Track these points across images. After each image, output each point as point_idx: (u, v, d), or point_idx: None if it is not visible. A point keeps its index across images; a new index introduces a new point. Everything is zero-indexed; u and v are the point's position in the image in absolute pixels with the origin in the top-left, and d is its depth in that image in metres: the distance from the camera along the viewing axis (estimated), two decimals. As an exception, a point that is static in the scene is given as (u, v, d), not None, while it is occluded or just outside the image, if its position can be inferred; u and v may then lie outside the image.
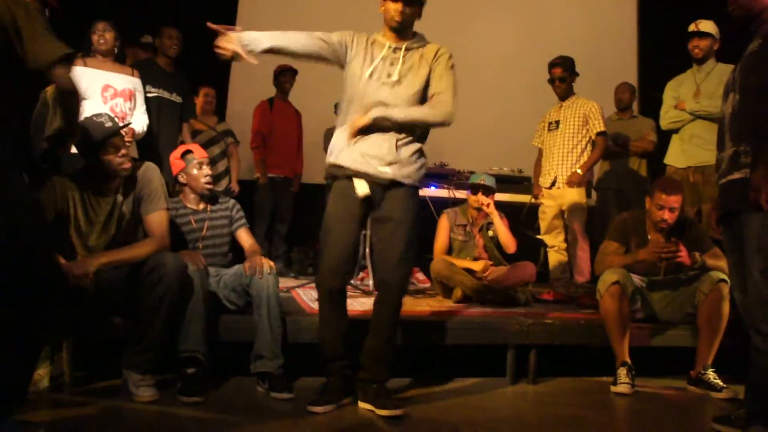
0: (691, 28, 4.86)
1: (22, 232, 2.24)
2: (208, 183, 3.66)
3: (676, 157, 4.94)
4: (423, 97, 3.07)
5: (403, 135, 3.03)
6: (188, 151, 3.71)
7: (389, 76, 3.04)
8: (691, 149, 4.80)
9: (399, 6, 3.02)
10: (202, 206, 3.71)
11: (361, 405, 3.07)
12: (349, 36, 3.13)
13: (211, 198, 3.76)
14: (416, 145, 3.10)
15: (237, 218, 3.78)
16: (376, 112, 2.97)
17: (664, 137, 5.26)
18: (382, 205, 3.06)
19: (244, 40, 2.90)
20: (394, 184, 3.03)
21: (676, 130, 4.97)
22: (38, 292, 2.31)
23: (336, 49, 3.10)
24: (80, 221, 3.19)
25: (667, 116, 4.99)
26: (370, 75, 3.05)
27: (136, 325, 3.09)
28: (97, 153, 3.14)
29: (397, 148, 3.01)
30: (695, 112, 4.76)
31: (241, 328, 3.42)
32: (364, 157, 3.01)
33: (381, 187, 3.03)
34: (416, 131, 3.09)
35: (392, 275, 3.04)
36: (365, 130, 3.01)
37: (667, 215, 3.73)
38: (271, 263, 3.44)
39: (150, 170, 3.35)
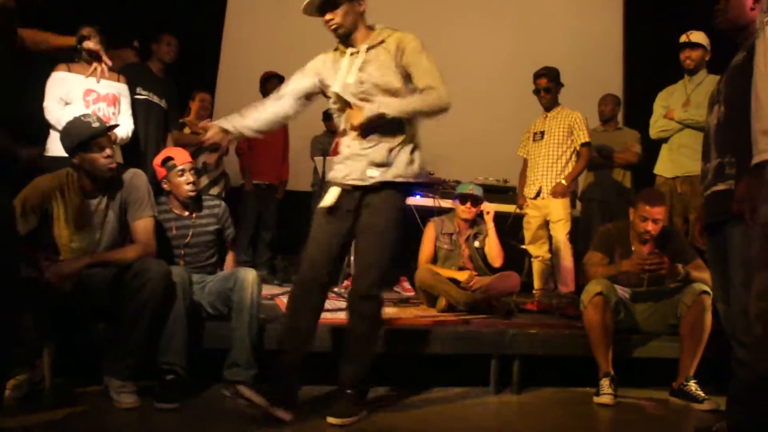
0: (683, 39, 4.89)
1: None
2: (191, 190, 3.60)
3: (664, 166, 4.98)
4: (398, 90, 2.96)
5: (396, 141, 2.98)
6: (169, 158, 3.64)
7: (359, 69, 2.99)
8: (680, 159, 4.84)
9: (325, 18, 2.98)
10: (186, 213, 3.67)
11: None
12: (318, 60, 3.16)
13: (197, 203, 3.71)
14: (410, 147, 3.03)
15: (227, 227, 3.80)
16: (369, 111, 2.88)
17: (650, 148, 5.29)
18: (366, 209, 3.01)
19: (230, 131, 3.14)
20: (380, 186, 2.98)
21: (665, 140, 5.01)
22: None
23: (314, 82, 3.14)
24: (62, 221, 3.18)
25: (656, 125, 5.04)
26: (342, 88, 3.01)
27: (118, 331, 3.07)
28: (81, 152, 3.14)
29: (390, 151, 2.97)
30: (683, 120, 4.81)
31: (223, 335, 3.38)
32: (353, 158, 3.01)
33: (365, 192, 3.00)
34: (410, 132, 3.02)
35: (363, 281, 2.98)
36: (366, 132, 2.97)
37: (650, 227, 3.75)
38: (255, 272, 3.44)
39: (137, 177, 3.34)
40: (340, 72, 3.02)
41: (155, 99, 4.95)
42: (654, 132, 5.08)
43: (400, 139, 2.99)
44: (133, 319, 3.01)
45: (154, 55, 5.17)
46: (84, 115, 3.27)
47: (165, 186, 3.65)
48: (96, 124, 3.18)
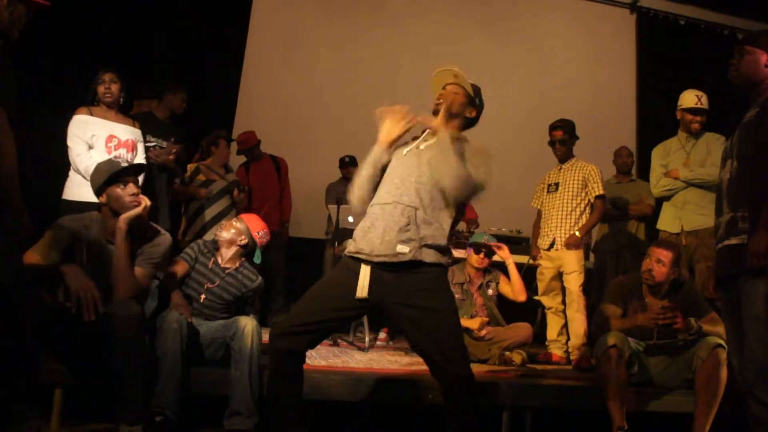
0: (694, 103, 4.91)
1: None
2: (224, 237, 3.80)
3: (669, 223, 5.00)
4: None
5: (422, 209, 2.79)
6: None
7: (418, 147, 2.96)
8: (685, 215, 4.86)
9: (448, 88, 3.01)
10: (224, 265, 3.77)
11: None
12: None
13: (238, 266, 3.81)
14: (441, 231, 2.83)
15: (248, 301, 3.85)
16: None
17: (661, 201, 5.30)
18: (407, 289, 2.76)
19: None
20: (416, 264, 2.75)
21: (668, 198, 5.03)
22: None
23: None
24: (84, 263, 3.17)
25: (660, 184, 5.08)
26: (407, 152, 2.96)
27: (114, 377, 3.00)
28: (108, 188, 3.21)
29: (418, 224, 2.77)
30: (690, 180, 4.83)
31: (217, 381, 3.35)
32: (379, 236, 2.77)
33: (397, 273, 2.77)
34: (444, 207, 2.85)
35: (457, 368, 2.74)
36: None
37: (653, 266, 3.75)
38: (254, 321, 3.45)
39: (164, 238, 3.40)
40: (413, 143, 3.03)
41: (164, 144, 5.05)
42: (658, 191, 5.13)
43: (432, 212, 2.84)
44: (118, 364, 2.96)
45: (163, 103, 5.29)
46: (114, 158, 3.54)
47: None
48: (125, 164, 3.38)
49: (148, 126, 4.87)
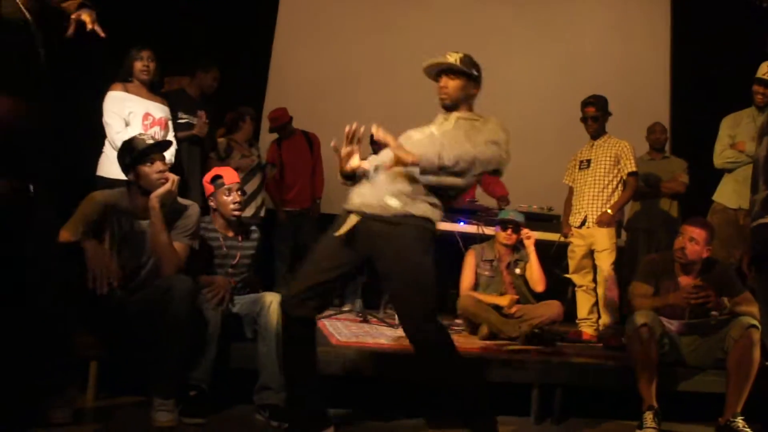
0: (762, 73, 4.77)
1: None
2: (235, 210, 3.62)
3: (727, 196, 4.88)
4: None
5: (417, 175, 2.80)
6: (218, 176, 3.66)
7: (431, 132, 3.00)
8: (745, 191, 4.70)
9: (439, 83, 2.99)
10: (231, 234, 3.69)
11: None
12: None
13: (241, 227, 3.75)
14: (435, 190, 2.85)
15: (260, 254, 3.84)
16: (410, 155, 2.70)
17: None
18: (385, 248, 2.81)
19: None
20: (401, 218, 2.79)
21: (729, 170, 4.92)
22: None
23: None
24: (114, 239, 3.21)
25: (724, 155, 4.94)
26: (420, 137, 2.98)
27: (154, 350, 3.05)
28: (136, 166, 3.23)
29: (411, 180, 2.80)
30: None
31: (249, 356, 3.38)
32: (371, 191, 2.87)
33: (386, 224, 2.80)
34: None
35: (417, 332, 2.78)
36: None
37: (686, 244, 3.72)
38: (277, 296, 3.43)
39: (193, 208, 3.44)
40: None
41: (195, 121, 5.05)
42: (720, 162, 4.98)
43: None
44: (165, 338, 3.00)
45: (194, 80, 5.28)
46: (140, 134, 3.43)
47: (211, 203, 3.68)
48: (150, 141, 3.31)
49: (180, 103, 4.90)
